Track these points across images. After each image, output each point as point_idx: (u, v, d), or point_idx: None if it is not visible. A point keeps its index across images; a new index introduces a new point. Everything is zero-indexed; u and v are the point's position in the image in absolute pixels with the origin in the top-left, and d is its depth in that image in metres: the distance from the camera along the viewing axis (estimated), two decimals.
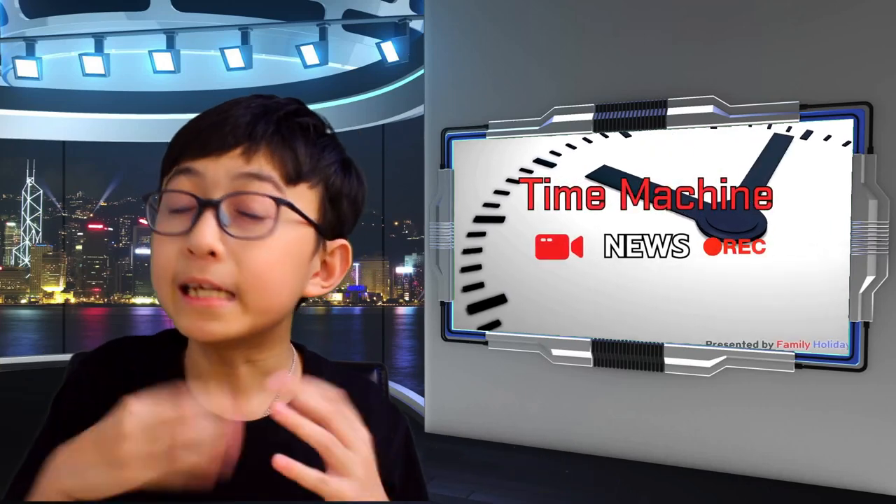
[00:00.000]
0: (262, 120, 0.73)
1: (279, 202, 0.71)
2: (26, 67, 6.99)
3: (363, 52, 7.65)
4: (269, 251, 0.70)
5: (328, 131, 0.78)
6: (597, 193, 4.20)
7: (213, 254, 0.67)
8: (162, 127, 8.02)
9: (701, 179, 3.96)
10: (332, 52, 6.74)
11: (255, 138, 0.72)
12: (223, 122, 0.72)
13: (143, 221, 0.83)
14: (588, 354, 4.22)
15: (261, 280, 0.70)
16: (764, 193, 3.82)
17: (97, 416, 0.76)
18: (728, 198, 3.90)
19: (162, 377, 0.77)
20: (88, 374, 0.81)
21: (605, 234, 4.18)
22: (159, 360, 0.80)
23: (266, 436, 0.76)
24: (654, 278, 4.08)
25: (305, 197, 0.74)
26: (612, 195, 4.17)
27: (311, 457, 0.78)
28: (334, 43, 6.91)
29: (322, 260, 0.77)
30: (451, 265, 4.60)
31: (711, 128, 3.93)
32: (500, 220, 4.47)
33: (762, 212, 3.83)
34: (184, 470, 0.63)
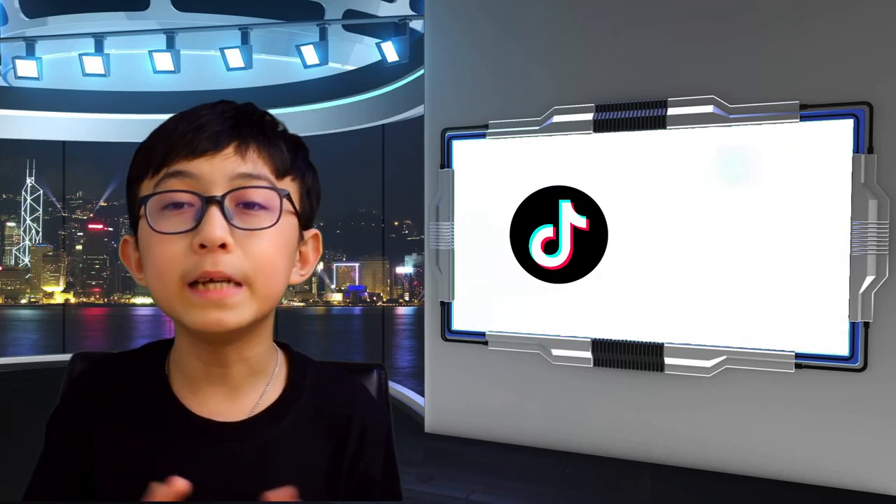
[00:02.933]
0: (245, 121, 0.76)
1: (281, 194, 0.75)
2: (26, 67, 6.99)
3: (363, 52, 7.64)
4: (271, 240, 0.74)
5: (289, 131, 0.82)
6: (596, 194, 4.20)
7: (223, 246, 0.70)
8: None
9: (698, 180, 3.96)
10: (332, 52, 6.75)
11: (244, 137, 0.75)
12: (207, 124, 0.74)
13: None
14: (588, 354, 4.22)
15: (268, 267, 0.74)
16: (762, 193, 3.82)
17: (89, 440, 0.78)
18: (727, 197, 3.90)
19: (146, 391, 0.80)
20: (75, 399, 0.83)
21: (606, 234, 4.18)
22: (140, 374, 0.82)
23: (255, 433, 0.78)
24: (654, 278, 4.08)
25: (291, 189, 0.78)
26: (612, 195, 4.17)
27: (297, 453, 0.81)
28: (334, 43, 6.91)
29: (299, 250, 0.81)
30: (450, 265, 4.60)
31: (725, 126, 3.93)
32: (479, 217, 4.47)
33: (760, 212, 3.83)
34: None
